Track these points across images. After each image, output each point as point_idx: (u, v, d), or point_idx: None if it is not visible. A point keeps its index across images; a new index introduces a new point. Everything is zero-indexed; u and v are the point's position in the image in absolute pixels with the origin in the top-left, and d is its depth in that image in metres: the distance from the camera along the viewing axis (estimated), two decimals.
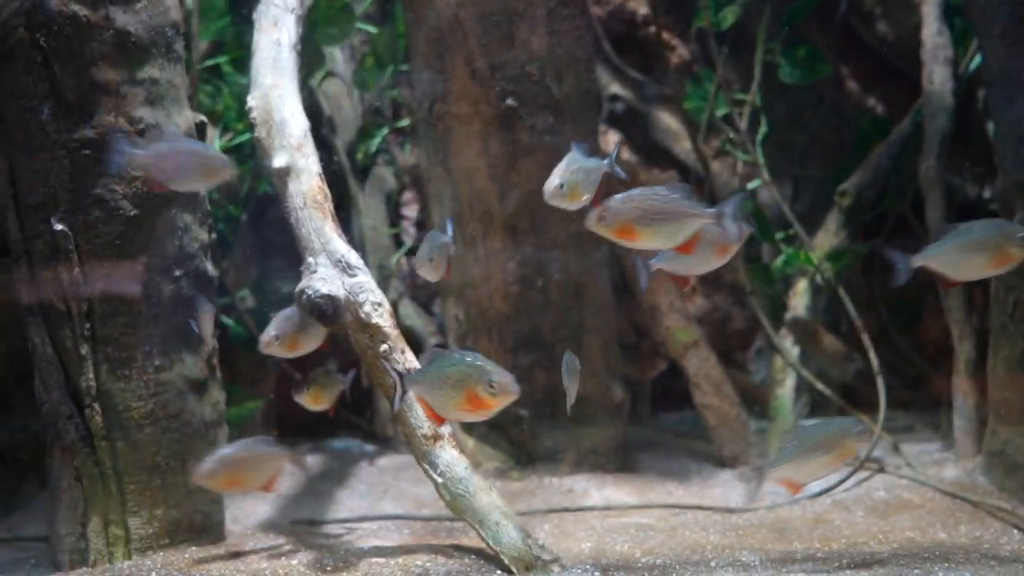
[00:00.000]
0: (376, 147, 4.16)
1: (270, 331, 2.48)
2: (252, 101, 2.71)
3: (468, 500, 2.36)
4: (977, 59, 3.63)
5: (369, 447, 4.14)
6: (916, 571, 2.13)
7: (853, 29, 4.29)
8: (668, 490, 3.15)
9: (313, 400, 2.64)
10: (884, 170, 3.92)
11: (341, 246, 2.54)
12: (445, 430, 2.45)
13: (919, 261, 2.14)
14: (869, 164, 3.94)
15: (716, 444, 3.53)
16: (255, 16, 2.85)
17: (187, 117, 2.62)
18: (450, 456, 2.41)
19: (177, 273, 2.55)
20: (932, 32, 3.77)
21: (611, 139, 4.63)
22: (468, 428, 3.49)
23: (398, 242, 4.33)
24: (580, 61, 3.24)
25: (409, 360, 2.50)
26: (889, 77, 4.37)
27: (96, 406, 2.44)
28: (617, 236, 1.94)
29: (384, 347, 2.47)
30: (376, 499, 3.22)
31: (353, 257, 2.54)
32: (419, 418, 2.44)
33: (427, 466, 2.43)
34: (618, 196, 1.95)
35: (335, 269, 2.49)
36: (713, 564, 2.26)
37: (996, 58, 2.94)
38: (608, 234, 1.93)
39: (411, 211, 4.57)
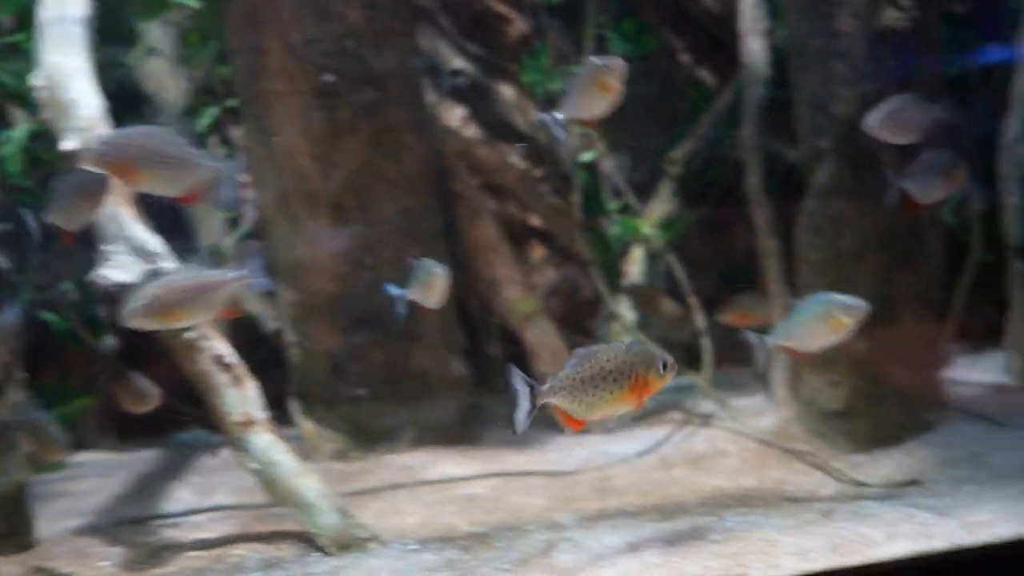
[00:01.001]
0: (205, 127, 3.99)
1: None
2: (37, 81, 2.54)
3: (284, 484, 2.33)
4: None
5: (217, 438, 4.02)
6: (711, 518, 2.25)
7: (682, 3, 4.42)
8: (505, 459, 3.20)
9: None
10: (709, 140, 4.08)
11: (140, 232, 2.43)
12: (260, 415, 2.41)
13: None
14: (696, 134, 4.09)
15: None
16: None
17: None
18: (265, 441, 2.37)
19: None
20: (749, 4, 3.92)
21: (456, 113, 4.63)
22: (307, 412, 3.44)
23: (235, 224, 4.18)
24: (401, 34, 3.21)
25: (218, 347, 2.43)
26: (718, 49, 4.53)
27: None
28: (117, 176, 1.92)
29: (189, 335, 2.38)
30: (209, 491, 3.13)
31: (154, 243, 2.43)
32: (230, 404, 2.38)
33: (242, 453, 2.38)
34: (118, 132, 1.94)
35: (133, 256, 2.38)
36: (529, 528, 2.32)
37: (795, 29, 3.10)
38: (108, 171, 1.90)
39: (250, 191, 4.42)
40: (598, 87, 2.20)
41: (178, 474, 3.41)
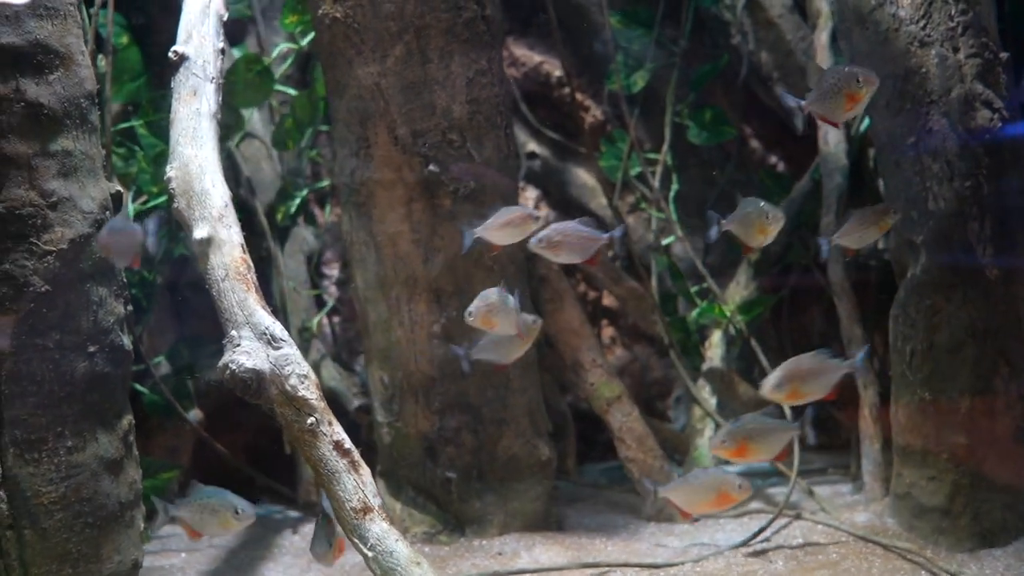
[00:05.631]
0: (296, 208, 4.14)
1: None
2: (171, 172, 2.67)
3: (399, 573, 2.34)
4: (866, 122, 3.90)
5: (293, 513, 4.04)
6: None
7: (754, 92, 4.54)
8: (596, 547, 3.19)
9: None
10: (788, 225, 4.13)
11: (265, 318, 2.51)
12: (376, 502, 2.43)
13: None
14: None
15: (641, 497, 3.59)
16: (173, 85, 2.82)
17: (102, 188, 2.56)
18: (380, 529, 2.38)
19: (91, 349, 2.46)
20: None
21: (529, 195, 4.75)
22: (395, 493, 3.46)
23: (319, 302, 4.29)
24: (499, 127, 3.33)
25: (337, 432, 2.47)
26: (788, 136, 4.63)
27: (1, 493, 2.32)
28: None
29: (311, 420, 2.44)
30: (301, 571, 3.14)
31: (278, 329, 2.50)
32: (347, 491, 2.41)
33: (357, 540, 2.39)
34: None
35: (259, 342, 2.46)
36: None
37: (883, 126, 3.17)
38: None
39: (332, 270, 4.55)
40: None
41: (266, 552, 3.42)
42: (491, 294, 2.67)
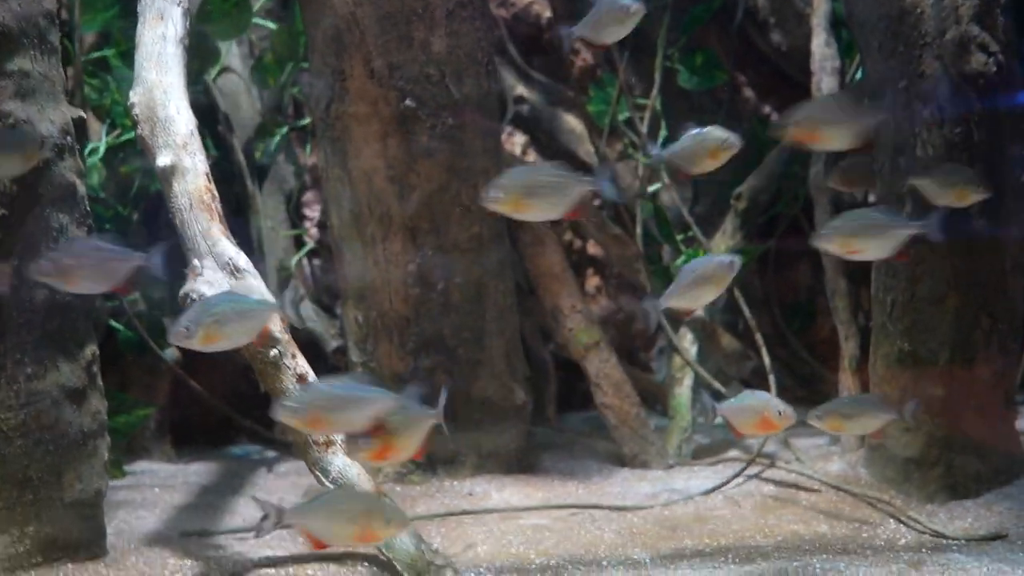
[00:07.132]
0: (276, 146, 4.06)
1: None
2: (134, 97, 2.59)
3: None
4: (860, 72, 3.80)
5: (270, 453, 4.04)
6: (795, 563, 2.21)
7: (749, 38, 4.43)
8: (567, 490, 3.18)
9: None
10: (776, 175, 4.06)
11: (229, 248, 2.46)
12: (338, 436, 2.41)
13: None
14: (763, 169, 4.07)
15: (617, 443, 3.58)
16: (140, 8, 2.73)
17: (62, 112, 2.49)
18: (342, 462, 2.37)
19: None
20: (820, 43, 3.92)
21: (517, 140, 4.66)
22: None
23: (299, 243, 4.24)
24: (480, 63, 3.24)
25: (300, 365, 2.44)
26: (784, 84, 4.53)
27: None
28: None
29: (274, 352, 2.40)
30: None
31: (242, 260, 2.46)
32: None
33: (319, 473, 2.38)
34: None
35: (222, 272, 2.41)
36: (605, 563, 2.29)
37: (875, 70, 3.08)
38: None
39: (313, 211, 4.48)
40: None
41: (239, 488, 3.42)
42: (233, 297, 2.11)
